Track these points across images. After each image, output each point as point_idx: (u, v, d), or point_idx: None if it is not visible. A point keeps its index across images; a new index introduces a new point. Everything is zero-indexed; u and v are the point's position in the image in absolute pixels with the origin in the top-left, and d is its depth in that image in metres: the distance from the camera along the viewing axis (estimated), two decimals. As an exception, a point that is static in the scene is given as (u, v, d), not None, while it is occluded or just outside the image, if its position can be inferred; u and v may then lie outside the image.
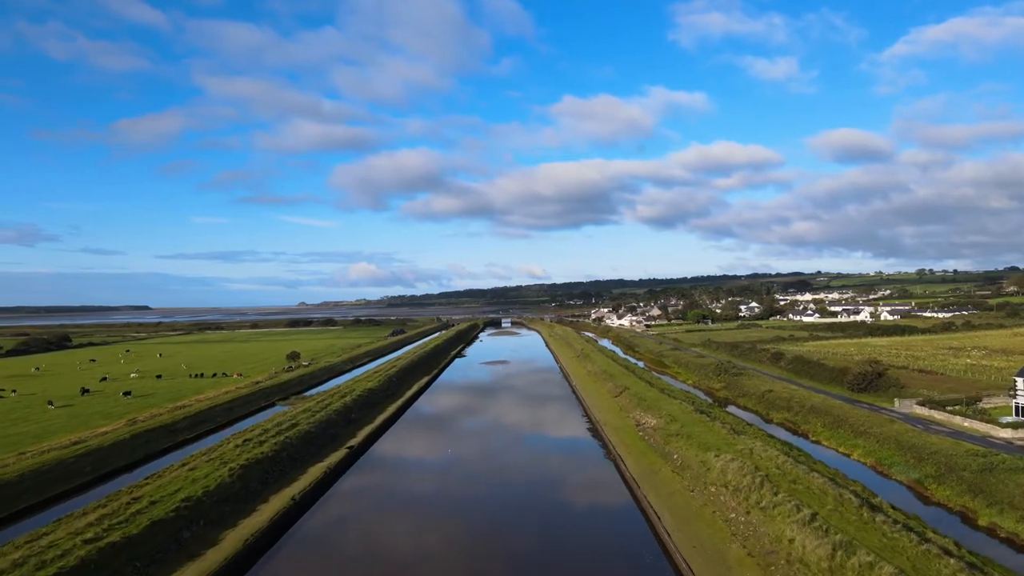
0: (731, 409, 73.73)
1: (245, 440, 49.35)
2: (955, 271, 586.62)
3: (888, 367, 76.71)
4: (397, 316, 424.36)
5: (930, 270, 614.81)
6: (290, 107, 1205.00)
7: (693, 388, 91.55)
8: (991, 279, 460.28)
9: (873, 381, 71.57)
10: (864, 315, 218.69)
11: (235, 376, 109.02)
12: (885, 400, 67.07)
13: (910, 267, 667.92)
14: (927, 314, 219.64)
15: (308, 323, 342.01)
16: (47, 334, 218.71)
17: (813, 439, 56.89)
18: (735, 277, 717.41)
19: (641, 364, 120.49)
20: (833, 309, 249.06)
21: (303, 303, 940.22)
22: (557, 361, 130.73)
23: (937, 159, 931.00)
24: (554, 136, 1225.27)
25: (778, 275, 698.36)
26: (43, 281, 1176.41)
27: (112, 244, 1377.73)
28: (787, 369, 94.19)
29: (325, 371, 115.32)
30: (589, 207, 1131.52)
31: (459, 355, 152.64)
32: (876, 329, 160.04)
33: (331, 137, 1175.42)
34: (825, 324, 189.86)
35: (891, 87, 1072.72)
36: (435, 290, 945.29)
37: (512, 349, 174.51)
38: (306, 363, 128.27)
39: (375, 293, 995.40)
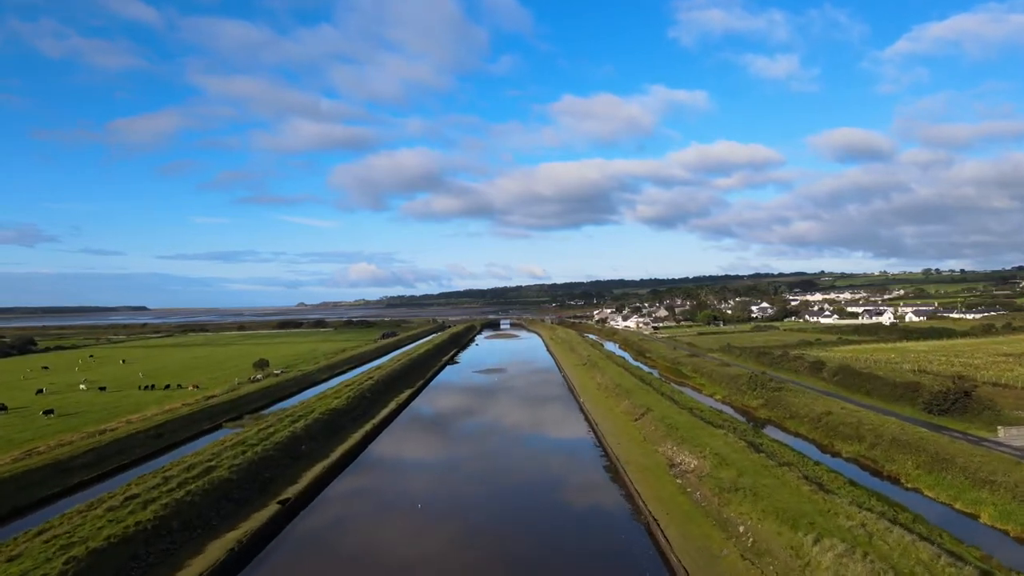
0: (774, 433, 59.48)
1: (127, 498, 35.02)
2: (962, 270, 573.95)
3: (978, 383, 62.27)
4: (392, 317, 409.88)
5: (936, 270, 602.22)
6: (289, 106, 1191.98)
7: (723, 404, 77.32)
8: (1003, 279, 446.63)
9: (958, 401, 57.24)
10: (887, 316, 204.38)
11: (190, 388, 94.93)
12: (980, 427, 52.76)
13: (911, 267, 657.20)
14: (955, 315, 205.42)
15: (299, 324, 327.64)
16: (9, 336, 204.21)
17: (908, 485, 42.51)
18: (737, 277, 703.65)
19: (655, 373, 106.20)
20: (852, 310, 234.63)
21: (302, 303, 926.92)
22: (560, 369, 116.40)
23: (939, 158, 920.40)
24: (554, 135, 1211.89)
25: (781, 275, 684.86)
26: (44, 282, 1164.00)
27: (112, 244, 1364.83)
28: (833, 382, 79.83)
29: (295, 382, 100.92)
30: (589, 207, 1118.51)
31: (451, 361, 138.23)
32: (910, 332, 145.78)
33: (330, 137, 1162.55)
34: (851, 327, 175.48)
35: (893, 85, 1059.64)
36: (435, 290, 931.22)
37: (510, 354, 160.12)
38: (278, 371, 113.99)
39: (375, 293, 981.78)
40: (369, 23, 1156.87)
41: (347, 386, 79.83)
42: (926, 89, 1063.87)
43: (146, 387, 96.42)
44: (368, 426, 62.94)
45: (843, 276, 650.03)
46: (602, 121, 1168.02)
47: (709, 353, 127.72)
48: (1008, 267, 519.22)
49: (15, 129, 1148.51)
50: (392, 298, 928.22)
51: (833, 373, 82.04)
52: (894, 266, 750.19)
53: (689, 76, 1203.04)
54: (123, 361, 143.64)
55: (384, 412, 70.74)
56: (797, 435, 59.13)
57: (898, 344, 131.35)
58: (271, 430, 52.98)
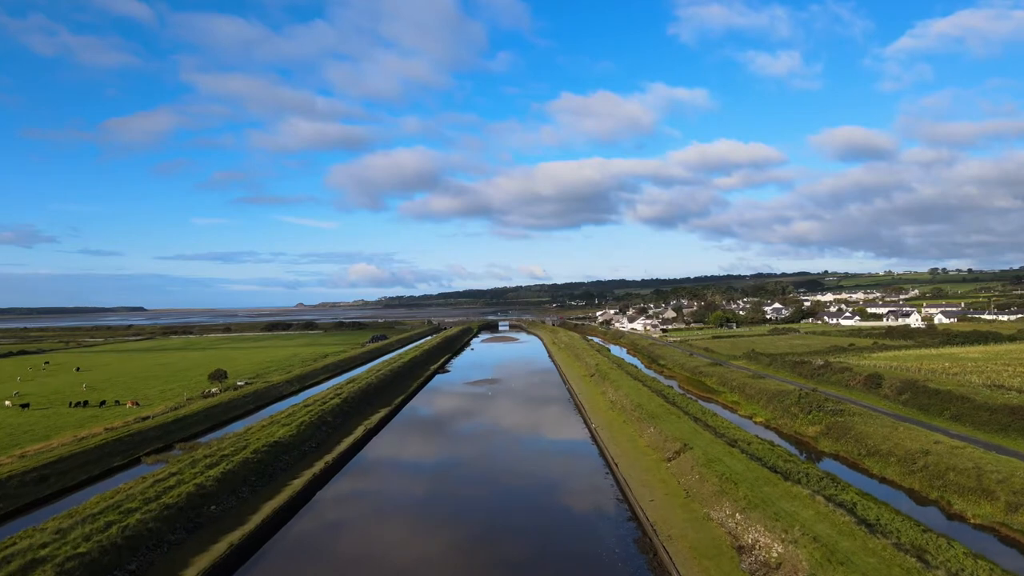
0: (844, 473, 45.18)
1: None
2: (969, 270, 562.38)
3: None
4: (389, 318, 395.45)
5: (943, 269, 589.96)
6: (284, 105, 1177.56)
7: (766, 429, 62.92)
8: (1017, 278, 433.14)
9: (1103, 437, 42.73)
10: (914, 318, 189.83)
11: (129, 405, 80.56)
12: None
13: (914, 267, 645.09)
14: (987, 316, 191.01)
15: (287, 327, 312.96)
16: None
17: (1105, 586, 27.98)
18: (740, 277, 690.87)
19: (675, 385, 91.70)
20: (873, 311, 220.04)
21: (301, 304, 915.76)
22: (565, 380, 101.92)
23: (941, 157, 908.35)
24: (553, 134, 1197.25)
25: (784, 275, 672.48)
26: (43, 283, 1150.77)
27: (111, 245, 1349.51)
28: (901, 402, 65.23)
29: (255, 397, 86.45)
30: (589, 207, 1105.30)
31: (441, 370, 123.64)
32: (952, 336, 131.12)
33: (326, 136, 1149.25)
34: (879, 329, 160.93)
35: (896, 83, 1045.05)
36: (435, 291, 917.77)
37: (508, 361, 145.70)
38: (241, 382, 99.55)
39: (374, 294, 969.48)
40: (363, 19, 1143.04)
41: (306, 407, 65.23)
42: (929, 87, 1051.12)
43: (78, 404, 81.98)
44: (318, 466, 48.24)
45: (848, 276, 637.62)
46: (601, 119, 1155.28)
47: (732, 361, 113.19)
48: (1015, 266, 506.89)
49: (10, 129, 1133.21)
50: (391, 299, 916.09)
51: (898, 390, 67.43)
52: (896, 266, 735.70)
53: (689, 74, 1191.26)
54: (77, 369, 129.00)
55: (344, 444, 56.04)
56: (883, 480, 44.58)
57: (943, 350, 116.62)
58: (172, 480, 38.39)
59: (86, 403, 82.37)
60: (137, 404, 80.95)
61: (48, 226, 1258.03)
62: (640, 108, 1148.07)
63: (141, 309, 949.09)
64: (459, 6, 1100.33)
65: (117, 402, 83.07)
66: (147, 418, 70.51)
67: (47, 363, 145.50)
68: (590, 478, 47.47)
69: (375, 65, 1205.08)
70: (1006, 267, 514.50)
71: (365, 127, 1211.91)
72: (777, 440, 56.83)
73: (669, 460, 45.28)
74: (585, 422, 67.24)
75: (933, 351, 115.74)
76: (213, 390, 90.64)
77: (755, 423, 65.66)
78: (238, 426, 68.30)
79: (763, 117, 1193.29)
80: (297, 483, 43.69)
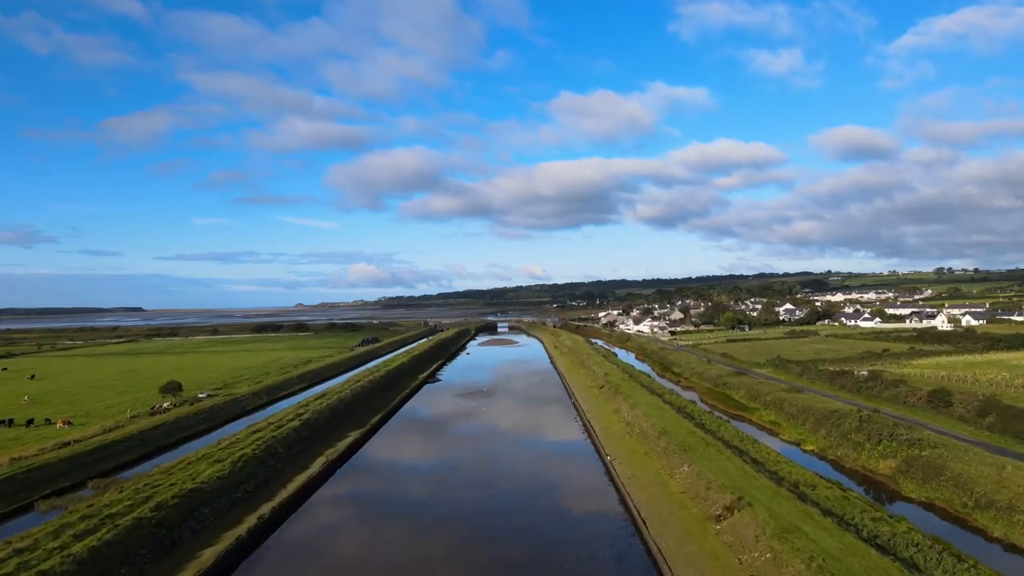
0: (943, 530, 33.60)
1: None
2: (976, 269, 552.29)
3: None
4: (385, 319, 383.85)
5: (948, 269, 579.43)
6: (282, 104, 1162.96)
7: (818, 459, 51.19)
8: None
9: None
10: (941, 320, 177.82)
11: (59, 425, 68.79)
12: None
13: (915, 267, 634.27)
14: (1017, 318, 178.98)
15: (277, 328, 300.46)
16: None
17: None
18: (742, 277, 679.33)
19: (696, 398, 79.85)
20: (893, 312, 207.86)
21: (300, 304, 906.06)
22: (570, 394, 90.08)
23: (943, 157, 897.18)
24: (552, 134, 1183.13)
25: (787, 275, 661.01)
26: (43, 283, 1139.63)
27: (111, 245, 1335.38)
28: (984, 427, 53.12)
29: (211, 414, 74.52)
30: (589, 207, 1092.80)
31: (431, 378, 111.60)
32: (996, 340, 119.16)
33: (325, 135, 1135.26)
34: (908, 332, 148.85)
35: (897, 81, 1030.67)
36: (435, 291, 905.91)
37: (506, 366, 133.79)
38: (203, 394, 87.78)
39: (373, 294, 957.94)
40: (362, 17, 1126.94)
41: (254, 432, 53.28)
42: (931, 85, 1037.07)
43: (2, 422, 70.14)
44: (248, 522, 36.17)
45: (852, 276, 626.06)
46: (601, 119, 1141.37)
47: (756, 369, 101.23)
48: (1021, 266, 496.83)
49: (10, 129, 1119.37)
50: (390, 299, 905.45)
51: (977, 411, 55.38)
52: (897, 266, 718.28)
53: (689, 72, 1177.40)
54: (31, 376, 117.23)
55: (293, 486, 43.93)
56: (1011, 548, 32.72)
57: (990, 356, 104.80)
58: (12, 565, 26.52)
59: (11, 422, 70.58)
60: (69, 423, 69.09)
61: (48, 226, 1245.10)
62: (640, 107, 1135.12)
63: (139, 310, 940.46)
64: (458, 4, 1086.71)
65: (48, 420, 71.32)
66: (69, 443, 58.58)
67: (4, 369, 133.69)
68: (613, 543, 35.40)
69: (373, 64, 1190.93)
70: (1010, 267, 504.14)
71: (364, 127, 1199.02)
72: (843, 479, 44.94)
73: (718, 520, 33.36)
74: (596, 449, 55.26)
75: (979, 357, 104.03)
76: (165, 405, 78.72)
77: (804, 451, 53.79)
78: (180, 453, 56.65)
79: (763, 116, 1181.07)
80: (208, 555, 31.71)
